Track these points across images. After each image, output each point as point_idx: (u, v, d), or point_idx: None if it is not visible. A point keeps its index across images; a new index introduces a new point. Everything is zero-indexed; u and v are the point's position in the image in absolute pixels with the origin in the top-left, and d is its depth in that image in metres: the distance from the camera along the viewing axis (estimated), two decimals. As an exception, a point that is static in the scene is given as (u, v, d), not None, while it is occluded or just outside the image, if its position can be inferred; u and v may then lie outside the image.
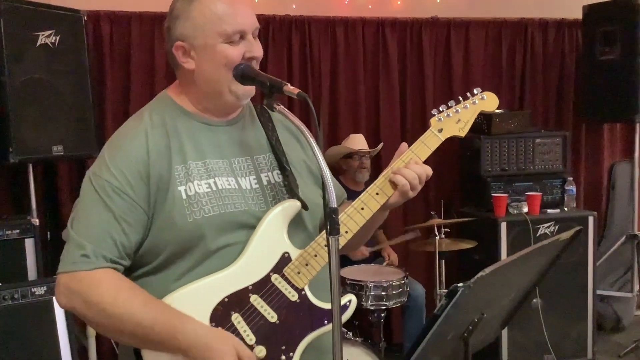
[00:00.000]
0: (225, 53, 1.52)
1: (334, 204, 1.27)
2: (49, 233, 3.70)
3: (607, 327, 4.61)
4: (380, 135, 4.29)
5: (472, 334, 1.30)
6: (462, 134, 1.64)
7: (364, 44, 4.28)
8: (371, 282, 3.42)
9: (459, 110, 1.64)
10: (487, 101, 1.67)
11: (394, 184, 1.57)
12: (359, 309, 3.36)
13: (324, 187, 1.29)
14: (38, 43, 3.16)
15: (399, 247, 4.00)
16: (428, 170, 1.58)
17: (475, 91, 1.67)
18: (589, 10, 4.35)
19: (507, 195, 4.03)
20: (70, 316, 2.82)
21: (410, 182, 1.55)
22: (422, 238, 3.86)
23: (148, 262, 1.54)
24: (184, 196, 1.50)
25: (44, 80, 3.20)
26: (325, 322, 1.54)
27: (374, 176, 4.03)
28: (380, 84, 4.32)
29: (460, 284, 1.15)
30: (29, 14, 3.13)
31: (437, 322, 1.10)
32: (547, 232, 4.00)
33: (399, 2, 4.38)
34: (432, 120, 1.63)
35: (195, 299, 1.48)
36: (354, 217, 1.54)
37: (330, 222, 1.25)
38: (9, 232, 2.98)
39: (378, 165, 4.21)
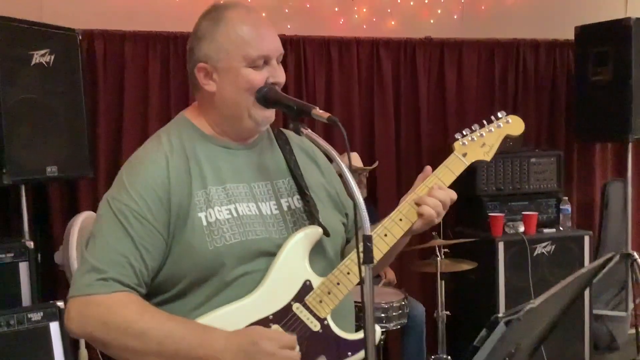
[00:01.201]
0: (248, 77, 1.49)
1: (368, 231, 1.23)
2: (39, 256, 3.61)
3: (602, 347, 4.60)
4: (374, 154, 4.27)
5: (508, 364, 1.26)
6: (488, 158, 1.61)
7: (358, 64, 4.27)
8: (371, 304, 3.37)
9: (484, 134, 1.61)
10: (513, 125, 1.64)
11: (418, 212, 1.53)
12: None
13: (355, 213, 1.26)
14: (32, 62, 3.10)
15: (394, 266, 3.96)
16: (452, 195, 1.55)
17: (499, 114, 1.65)
18: (581, 31, 4.39)
19: (503, 214, 4.03)
20: (66, 342, 2.74)
21: (435, 211, 1.52)
22: (421, 258, 3.83)
23: (165, 291, 1.49)
24: (205, 223, 1.46)
25: (38, 100, 3.13)
26: (349, 353, 1.50)
27: (369, 193, 4.05)
28: (374, 103, 4.31)
29: (501, 314, 1.11)
30: (24, 33, 3.07)
31: (484, 356, 1.06)
32: (544, 252, 4.00)
33: (392, 23, 4.39)
34: (456, 144, 1.60)
35: (214, 329, 1.43)
36: (378, 244, 1.50)
37: (364, 250, 1.22)
38: (3, 255, 2.89)
39: (373, 183, 4.20)
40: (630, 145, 4.39)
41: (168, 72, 3.91)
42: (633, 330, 4.49)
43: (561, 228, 4.15)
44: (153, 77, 3.88)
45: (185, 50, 4.19)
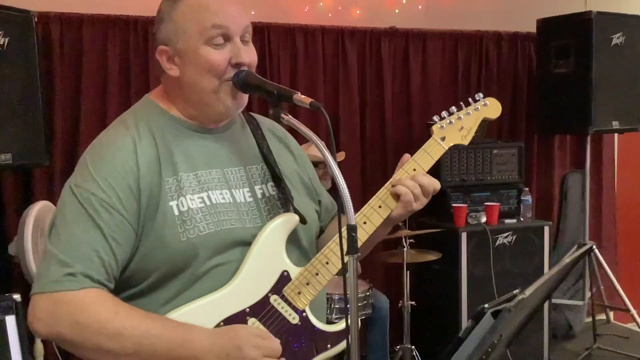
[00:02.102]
0: (207, 57, 1.40)
1: (353, 220, 1.19)
2: (-8, 247, 3.47)
3: (559, 335, 4.69)
4: (339, 144, 4.24)
5: (490, 356, 1.24)
6: (466, 142, 1.57)
7: (323, 53, 4.22)
8: (336, 294, 3.35)
9: (462, 117, 1.58)
10: (490, 107, 1.61)
11: (396, 196, 1.50)
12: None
13: (339, 202, 1.22)
14: (-14, 45, 2.97)
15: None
16: (436, 184, 1.51)
17: (477, 97, 1.62)
18: (542, 23, 4.44)
19: (466, 205, 4.05)
20: (23, 336, 2.63)
21: (412, 192, 1.48)
22: (385, 249, 3.82)
23: (134, 285, 1.41)
24: (176, 212, 1.38)
25: (-8, 84, 3.00)
26: (329, 346, 1.47)
27: (332, 184, 4.01)
28: (339, 93, 4.27)
29: (487, 305, 1.09)
30: (-24, 14, 2.94)
31: (472, 348, 1.03)
32: (505, 242, 4.04)
33: (358, 12, 4.35)
34: (435, 128, 1.56)
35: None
36: (371, 217, 1.47)
37: (349, 240, 1.18)
38: (-46, 246, 2.76)
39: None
40: (589, 138, 4.46)
41: (128, 57, 3.79)
42: (590, 319, 4.59)
43: (522, 218, 4.20)
44: (112, 62, 3.75)
45: (146, 34, 4.06)
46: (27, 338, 2.76)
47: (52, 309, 1.30)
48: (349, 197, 1.22)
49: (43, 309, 1.31)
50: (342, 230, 1.23)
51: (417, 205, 1.49)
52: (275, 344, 1.36)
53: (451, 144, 1.56)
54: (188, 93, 1.46)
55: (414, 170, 1.52)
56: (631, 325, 4.73)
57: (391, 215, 1.50)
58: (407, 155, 1.55)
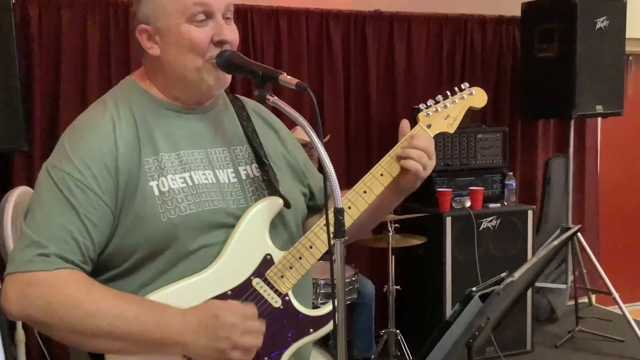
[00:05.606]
0: (189, 35, 1.37)
1: (339, 203, 1.17)
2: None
3: (542, 318, 4.73)
4: (324, 127, 4.21)
5: (477, 339, 1.23)
6: (451, 130, 1.57)
7: (307, 36, 4.18)
8: (322, 279, 3.35)
9: (448, 106, 1.57)
10: (476, 97, 1.60)
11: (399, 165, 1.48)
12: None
13: (325, 184, 1.20)
14: (-38, 27, 2.90)
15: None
16: (432, 140, 1.50)
17: (463, 86, 1.61)
18: (527, 7, 4.42)
19: (451, 190, 4.05)
20: (3, 323, 2.59)
21: (419, 161, 1.46)
22: (372, 233, 3.81)
23: (114, 266, 1.39)
24: (157, 192, 1.36)
25: (-32, 67, 2.94)
26: (311, 330, 1.45)
27: (318, 167, 3.98)
28: (324, 76, 4.24)
29: (475, 288, 1.07)
30: (-49, -5, 2.86)
31: (460, 332, 1.02)
32: (490, 226, 4.05)
33: (342, -6, 4.31)
34: (421, 115, 1.55)
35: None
36: (356, 202, 1.45)
37: (336, 223, 1.16)
38: None
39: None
40: (572, 122, 4.47)
41: (108, 40, 3.72)
42: (572, 302, 4.63)
43: (506, 203, 4.21)
44: (92, 45, 3.68)
45: (126, 16, 4.00)
46: (7, 325, 2.73)
47: (23, 290, 1.27)
48: (336, 180, 1.19)
49: (15, 290, 1.28)
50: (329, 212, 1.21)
51: (427, 172, 1.49)
52: (251, 308, 1.33)
53: (437, 132, 1.56)
54: (169, 72, 1.43)
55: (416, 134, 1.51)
56: (613, 308, 4.78)
57: (402, 185, 1.50)
58: (405, 122, 1.54)
